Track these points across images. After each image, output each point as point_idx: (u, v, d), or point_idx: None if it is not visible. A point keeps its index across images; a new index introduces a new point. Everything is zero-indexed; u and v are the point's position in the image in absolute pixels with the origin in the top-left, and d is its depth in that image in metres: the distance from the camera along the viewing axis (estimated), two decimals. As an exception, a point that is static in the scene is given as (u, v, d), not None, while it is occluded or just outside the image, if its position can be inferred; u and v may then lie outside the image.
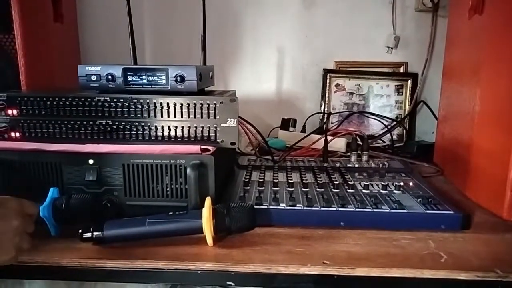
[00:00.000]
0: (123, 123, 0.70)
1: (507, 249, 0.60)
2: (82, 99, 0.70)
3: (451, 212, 0.66)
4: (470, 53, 0.86)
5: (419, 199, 0.70)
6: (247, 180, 0.79)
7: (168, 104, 0.69)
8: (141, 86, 0.72)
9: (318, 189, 0.76)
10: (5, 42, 0.91)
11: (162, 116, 0.70)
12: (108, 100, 0.70)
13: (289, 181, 0.78)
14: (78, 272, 0.56)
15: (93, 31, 1.30)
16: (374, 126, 1.27)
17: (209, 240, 0.59)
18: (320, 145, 1.02)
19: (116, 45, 1.26)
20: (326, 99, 1.28)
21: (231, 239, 0.62)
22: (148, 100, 0.69)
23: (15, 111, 0.71)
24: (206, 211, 0.58)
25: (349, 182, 0.78)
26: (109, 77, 0.72)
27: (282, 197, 0.71)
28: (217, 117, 0.69)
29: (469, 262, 0.55)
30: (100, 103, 0.70)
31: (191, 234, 0.59)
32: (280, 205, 0.68)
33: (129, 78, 0.72)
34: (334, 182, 0.78)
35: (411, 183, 0.80)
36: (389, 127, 1.24)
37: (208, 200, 0.60)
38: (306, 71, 1.30)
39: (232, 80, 1.30)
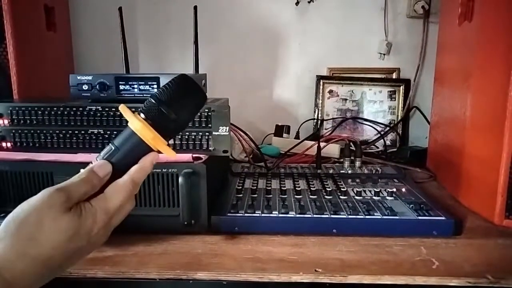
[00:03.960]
0: (115, 132, 0.70)
1: (498, 254, 0.60)
2: (74, 108, 0.70)
3: (443, 218, 0.66)
4: (460, 59, 0.87)
5: (411, 205, 0.71)
6: (240, 187, 0.79)
7: (160, 112, 0.69)
8: (133, 95, 0.72)
9: (311, 196, 0.76)
10: (-3, 51, 0.91)
11: (154, 125, 0.70)
12: (100, 109, 0.70)
13: (282, 188, 0.78)
14: (69, 283, 0.55)
15: (86, 40, 1.30)
16: (368, 132, 1.27)
17: (167, 150, 0.44)
18: (313, 151, 1.02)
19: (109, 53, 1.26)
20: (320, 105, 1.28)
21: (223, 247, 0.61)
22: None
23: (6, 121, 0.71)
24: (133, 118, 0.43)
25: (342, 189, 0.78)
26: (101, 86, 0.72)
27: (275, 204, 0.71)
28: (209, 125, 0.69)
29: (461, 268, 0.56)
30: (91, 112, 0.70)
31: (139, 157, 0.44)
32: (273, 212, 0.68)
33: (121, 87, 0.72)
34: (327, 188, 0.78)
35: (403, 189, 0.81)
36: (382, 132, 1.24)
37: (123, 107, 0.44)
38: (300, 78, 1.31)
39: (225, 87, 1.30)
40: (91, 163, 0.43)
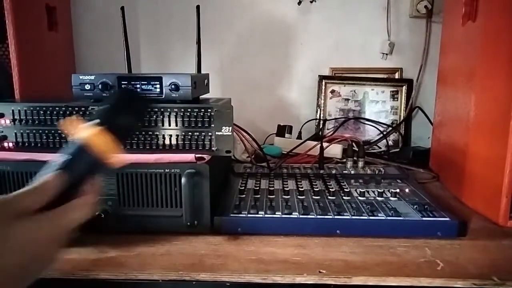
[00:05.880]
0: (117, 132, 0.70)
1: (503, 256, 0.60)
2: (76, 108, 0.70)
3: (447, 219, 0.65)
4: (464, 59, 0.86)
5: (415, 206, 0.70)
6: (243, 188, 0.79)
7: (162, 112, 0.69)
8: (135, 95, 0.72)
9: (314, 197, 0.75)
10: (-1, 51, 0.91)
11: (156, 125, 0.69)
12: (102, 109, 0.69)
13: (285, 188, 0.78)
14: (71, 284, 0.55)
15: (88, 39, 1.30)
16: (370, 132, 1.27)
17: (117, 156, 0.44)
18: (316, 151, 1.02)
19: (111, 53, 1.26)
20: (322, 105, 1.28)
21: (226, 248, 0.61)
22: (142, 109, 0.69)
23: (7, 121, 0.71)
24: (82, 128, 0.43)
25: (345, 189, 0.78)
26: (103, 86, 0.71)
27: (278, 205, 0.71)
28: (212, 125, 0.69)
29: (466, 270, 0.55)
30: (94, 112, 0.70)
31: (93, 166, 0.43)
32: (276, 213, 0.67)
33: (123, 86, 0.72)
34: (330, 189, 0.78)
35: (407, 190, 0.80)
36: (384, 133, 1.24)
37: (65, 123, 0.45)
38: (302, 78, 1.31)
39: (228, 87, 1.30)
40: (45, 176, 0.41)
